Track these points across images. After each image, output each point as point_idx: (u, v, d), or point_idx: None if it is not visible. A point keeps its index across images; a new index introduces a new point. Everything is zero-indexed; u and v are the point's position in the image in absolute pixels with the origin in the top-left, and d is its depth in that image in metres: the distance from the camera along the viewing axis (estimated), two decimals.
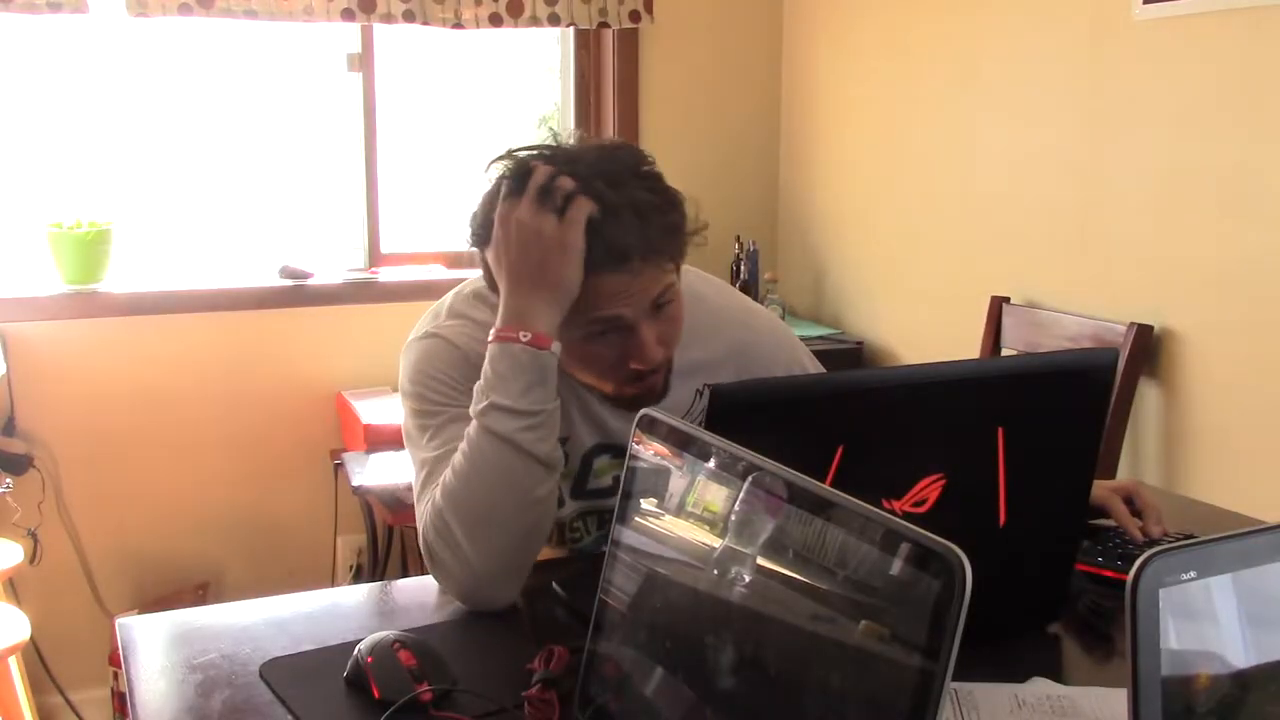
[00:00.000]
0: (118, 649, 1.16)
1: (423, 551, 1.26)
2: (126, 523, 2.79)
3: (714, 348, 1.43)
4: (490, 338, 1.24)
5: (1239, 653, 0.65)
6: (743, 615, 0.79)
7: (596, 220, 1.21)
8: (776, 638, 0.77)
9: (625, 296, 1.23)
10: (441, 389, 1.33)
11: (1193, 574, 0.62)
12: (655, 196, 1.24)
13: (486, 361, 1.24)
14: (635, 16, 3.07)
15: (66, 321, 2.70)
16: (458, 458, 1.23)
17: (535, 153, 1.28)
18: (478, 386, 1.24)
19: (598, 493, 1.44)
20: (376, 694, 1.01)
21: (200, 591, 2.84)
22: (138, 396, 2.77)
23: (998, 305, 2.62)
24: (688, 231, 1.27)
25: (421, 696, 1.00)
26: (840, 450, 0.98)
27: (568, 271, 1.20)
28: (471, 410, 1.23)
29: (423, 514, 1.26)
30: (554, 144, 1.29)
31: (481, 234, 1.29)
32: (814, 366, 1.52)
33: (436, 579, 1.25)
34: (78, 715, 2.74)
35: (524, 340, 1.21)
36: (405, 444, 1.37)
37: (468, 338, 1.34)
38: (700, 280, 1.46)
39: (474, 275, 1.42)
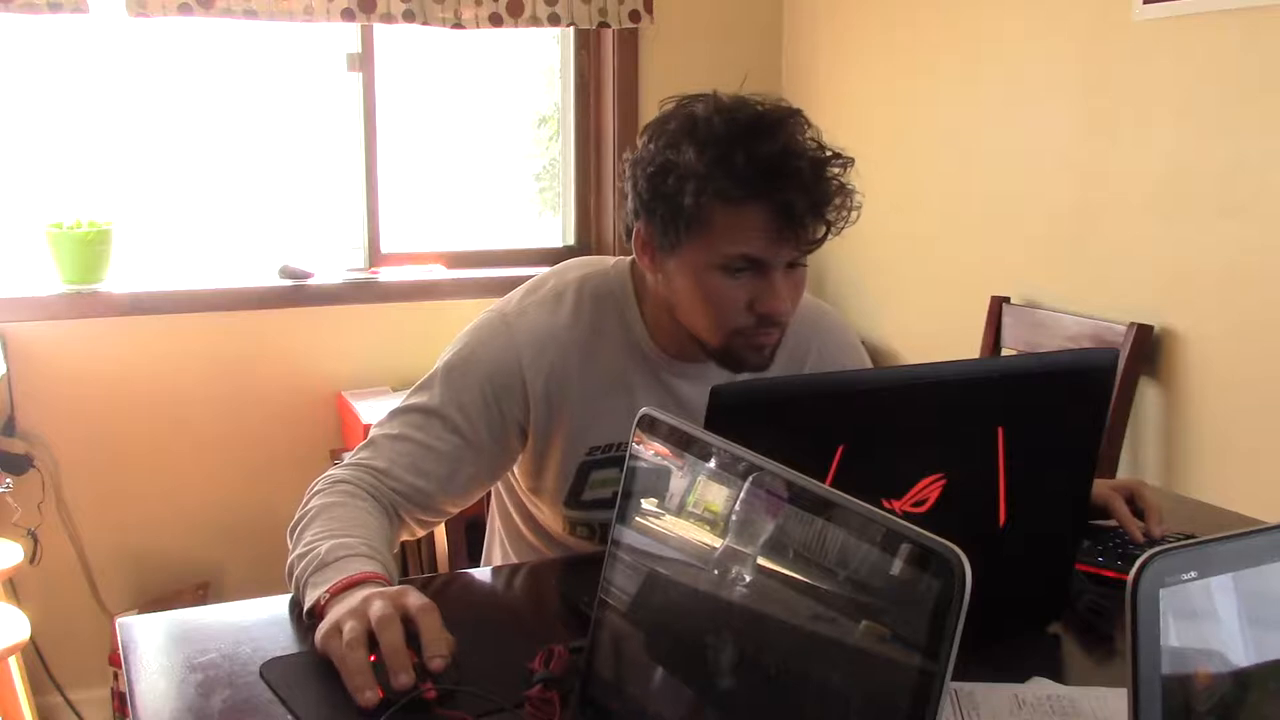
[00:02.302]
0: (118, 649, 1.16)
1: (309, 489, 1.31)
2: (126, 523, 2.79)
3: (795, 345, 1.46)
4: (355, 577, 1.13)
5: (1239, 652, 0.65)
6: (743, 615, 0.79)
7: (775, 152, 1.23)
8: (776, 638, 0.77)
9: (776, 243, 1.26)
10: (469, 382, 1.35)
11: (1193, 574, 0.62)
12: (830, 154, 1.28)
13: (346, 569, 1.14)
14: (635, 16, 3.07)
15: (66, 321, 2.70)
16: (315, 526, 1.24)
17: (691, 99, 1.30)
18: (340, 557, 1.17)
19: (594, 504, 1.44)
20: (380, 693, 1.00)
21: (200, 591, 2.84)
22: (138, 396, 2.77)
23: (998, 305, 2.62)
24: (850, 204, 1.30)
25: (426, 695, 1.00)
26: (840, 450, 0.98)
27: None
28: (330, 553, 1.18)
29: (328, 479, 1.31)
30: (709, 93, 1.30)
31: (646, 201, 1.30)
32: (867, 364, 1.56)
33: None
34: (78, 715, 2.74)
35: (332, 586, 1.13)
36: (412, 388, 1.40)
37: (537, 345, 1.36)
38: None
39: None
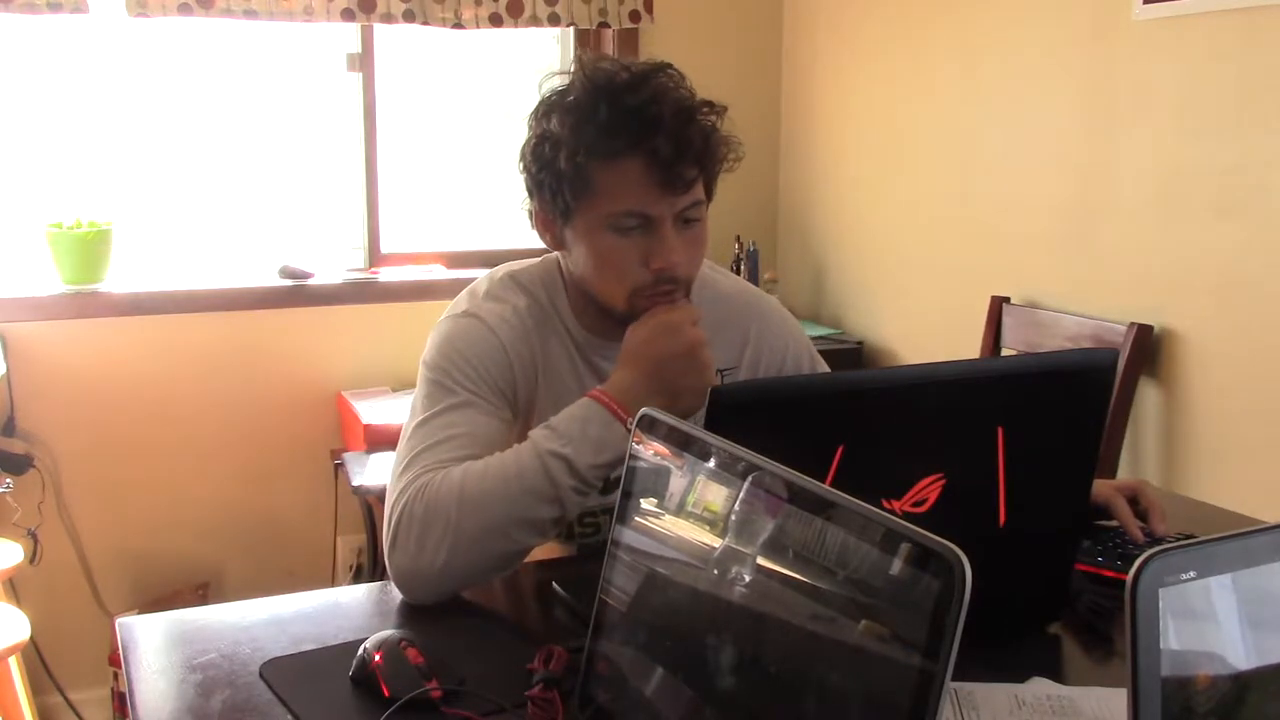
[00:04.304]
0: (118, 649, 1.16)
1: (392, 519, 1.24)
2: (126, 523, 2.79)
3: (730, 330, 1.47)
4: (593, 393, 1.26)
5: (1239, 653, 0.65)
6: (743, 615, 0.79)
7: (637, 104, 1.26)
8: (776, 638, 0.77)
9: (656, 194, 1.28)
10: (469, 371, 1.34)
11: (1192, 574, 0.62)
12: (697, 100, 1.31)
13: (577, 414, 1.25)
14: (635, 16, 3.07)
15: (66, 321, 2.70)
16: (496, 469, 1.23)
17: (570, 76, 1.33)
18: (555, 429, 1.24)
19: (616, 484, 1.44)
20: (386, 692, 1.00)
21: (200, 591, 2.84)
22: (138, 396, 2.77)
23: (998, 305, 2.62)
24: (723, 142, 1.32)
25: (431, 694, 1.00)
26: (840, 450, 0.98)
27: (695, 383, 1.24)
28: (540, 444, 1.23)
29: (413, 488, 1.24)
30: (584, 66, 1.34)
31: (533, 175, 1.33)
32: (814, 353, 1.56)
33: (392, 552, 1.23)
34: (78, 715, 2.74)
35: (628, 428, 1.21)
36: (409, 415, 1.36)
37: (506, 325, 1.37)
38: (708, 268, 1.48)
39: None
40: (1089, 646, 1.22)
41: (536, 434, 1.25)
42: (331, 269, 2.99)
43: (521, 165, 1.37)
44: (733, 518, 0.81)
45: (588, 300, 1.39)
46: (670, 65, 1.32)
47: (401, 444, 1.32)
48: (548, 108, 1.33)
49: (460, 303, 1.42)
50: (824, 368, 1.57)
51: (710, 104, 1.32)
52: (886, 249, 3.03)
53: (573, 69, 1.34)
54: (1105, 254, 2.39)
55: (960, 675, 0.68)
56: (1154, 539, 1.34)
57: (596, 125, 1.27)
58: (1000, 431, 1.06)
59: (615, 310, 1.35)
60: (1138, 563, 0.61)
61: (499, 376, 1.35)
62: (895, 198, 2.99)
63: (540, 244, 1.42)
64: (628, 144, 1.26)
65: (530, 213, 1.39)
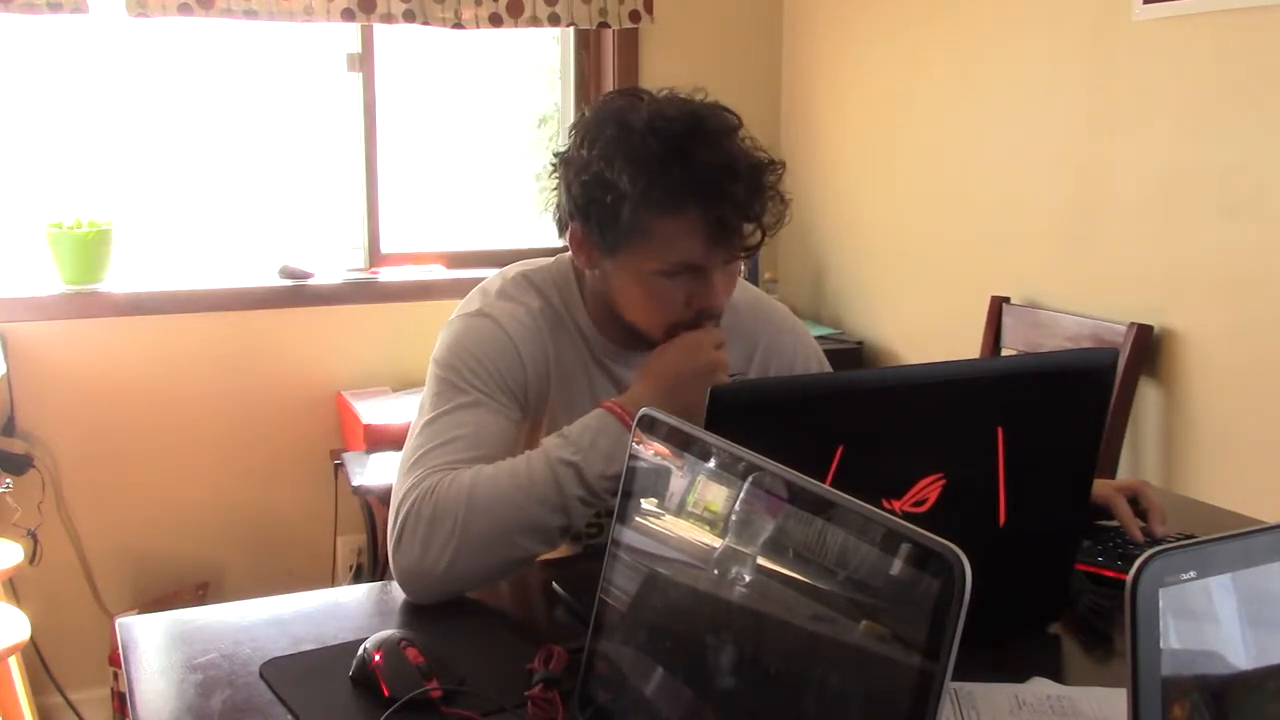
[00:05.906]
0: (118, 649, 1.16)
1: (398, 518, 1.23)
2: (126, 523, 2.79)
3: (740, 338, 1.47)
4: (608, 405, 1.26)
5: (1239, 653, 0.65)
6: (743, 615, 0.79)
7: (710, 165, 1.24)
8: (776, 638, 0.77)
9: (713, 251, 1.27)
10: (479, 370, 1.33)
11: (1192, 574, 0.62)
12: (765, 162, 1.29)
13: (590, 424, 1.25)
14: (635, 16, 3.07)
15: (66, 321, 2.70)
16: (506, 474, 1.23)
17: (626, 101, 1.31)
18: (567, 438, 1.24)
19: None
20: (386, 692, 1.00)
21: (200, 591, 2.84)
22: (138, 396, 2.77)
23: (998, 305, 2.62)
24: (784, 203, 1.31)
25: (431, 694, 1.00)
26: (840, 450, 0.98)
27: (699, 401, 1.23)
28: (552, 452, 1.23)
29: (421, 488, 1.23)
30: (645, 93, 1.32)
31: (581, 205, 1.31)
32: (822, 359, 1.56)
33: (397, 551, 1.23)
34: (78, 715, 2.74)
35: None
36: (418, 413, 1.35)
37: (519, 325, 1.37)
38: None
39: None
40: (1089, 646, 1.22)
41: (549, 441, 1.26)
42: (331, 269, 2.99)
43: (565, 187, 1.34)
44: (733, 518, 0.81)
45: (611, 313, 1.38)
46: (737, 118, 1.31)
47: (409, 441, 1.32)
48: (606, 145, 1.28)
49: (472, 301, 1.42)
50: None
51: (774, 164, 1.30)
52: (886, 249, 3.03)
53: (633, 103, 1.30)
54: (1105, 254, 2.39)
55: (960, 675, 0.68)
56: (1154, 539, 1.34)
57: (666, 185, 1.24)
58: (1000, 431, 1.06)
59: (648, 337, 1.35)
60: (1138, 563, 0.61)
61: (509, 376, 1.35)
62: (895, 198, 2.99)
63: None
64: (695, 204, 1.25)
65: (561, 224, 1.38)
